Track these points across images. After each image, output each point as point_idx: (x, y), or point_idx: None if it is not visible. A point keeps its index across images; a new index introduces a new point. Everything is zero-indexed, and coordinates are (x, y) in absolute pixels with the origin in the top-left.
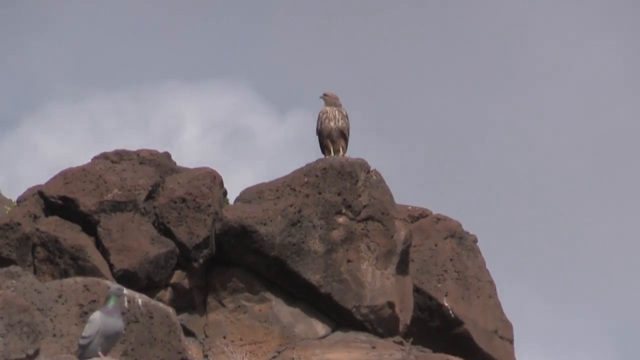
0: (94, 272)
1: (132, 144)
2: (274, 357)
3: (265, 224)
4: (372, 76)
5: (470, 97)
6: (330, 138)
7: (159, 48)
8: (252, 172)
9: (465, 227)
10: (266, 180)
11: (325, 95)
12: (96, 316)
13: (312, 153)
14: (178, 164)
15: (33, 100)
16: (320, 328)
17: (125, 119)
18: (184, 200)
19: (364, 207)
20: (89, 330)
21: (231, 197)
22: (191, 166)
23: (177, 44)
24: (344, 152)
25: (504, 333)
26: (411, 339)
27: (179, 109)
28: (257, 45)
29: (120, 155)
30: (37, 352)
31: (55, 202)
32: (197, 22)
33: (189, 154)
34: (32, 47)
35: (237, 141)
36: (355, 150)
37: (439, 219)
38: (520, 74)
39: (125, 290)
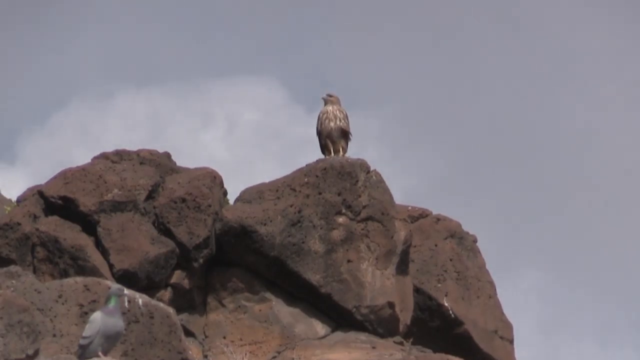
0: (93, 272)
1: (158, 140)
2: (274, 357)
3: (265, 224)
4: (401, 75)
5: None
6: (330, 138)
7: (188, 45)
8: (280, 169)
9: (465, 228)
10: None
11: (329, 96)
12: (96, 316)
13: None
14: (205, 159)
15: (62, 96)
16: (320, 328)
17: (155, 115)
18: (184, 200)
19: (364, 207)
20: (89, 330)
21: (231, 197)
22: (215, 162)
23: (207, 40)
24: (344, 152)
25: (504, 333)
26: (411, 339)
27: (206, 105)
28: (288, 43)
29: (120, 155)
30: (37, 352)
31: (55, 202)
32: (228, 18)
33: (215, 151)
34: (62, 45)
35: (264, 138)
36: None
37: (438, 219)
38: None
39: (126, 290)
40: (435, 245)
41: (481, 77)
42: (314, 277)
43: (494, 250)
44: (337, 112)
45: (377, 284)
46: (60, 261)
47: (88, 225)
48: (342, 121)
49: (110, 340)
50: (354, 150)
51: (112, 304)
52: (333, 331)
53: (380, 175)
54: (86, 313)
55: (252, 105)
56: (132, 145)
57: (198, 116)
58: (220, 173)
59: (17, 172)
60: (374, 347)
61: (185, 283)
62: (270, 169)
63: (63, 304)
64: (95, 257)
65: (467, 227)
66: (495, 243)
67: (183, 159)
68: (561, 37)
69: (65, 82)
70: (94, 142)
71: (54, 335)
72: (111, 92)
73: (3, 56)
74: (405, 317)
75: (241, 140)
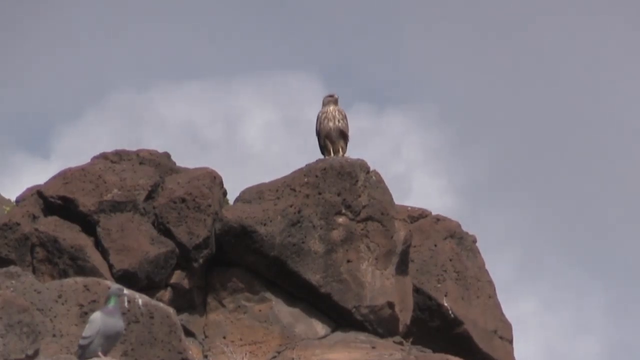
0: (93, 272)
1: (192, 135)
2: (274, 357)
3: (265, 224)
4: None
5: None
6: (330, 138)
7: (228, 41)
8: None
9: (464, 228)
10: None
11: (331, 96)
12: (96, 316)
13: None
14: (240, 156)
15: (96, 91)
16: (320, 328)
17: (191, 111)
18: (183, 200)
19: (364, 207)
20: (89, 330)
21: (231, 197)
22: (253, 158)
23: (248, 35)
24: (344, 152)
25: (504, 333)
26: (411, 339)
27: (246, 101)
28: (328, 39)
29: (119, 155)
30: (36, 353)
31: (55, 202)
32: (266, 14)
33: (253, 147)
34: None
35: (301, 134)
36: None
37: (438, 219)
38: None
39: (126, 290)
40: (435, 245)
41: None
42: (313, 277)
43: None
44: (336, 112)
45: (376, 284)
46: (60, 261)
47: (88, 225)
48: (341, 122)
49: (110, 340)
50: (389, 147)
51: (111, 304)
52: (333, 331)
53: (380, 175)
54: (86, 313)
55: (287, 100)
56: (168, 141)
57: (232, 111)
58: (256, 168)
59: (52, 166)
60: (373, 347)
61: (185, 283)
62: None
63: (63, 304)
64: (94, 257)
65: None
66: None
67: (217, 155)
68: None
69: (101, 77)
70: (127, 137)
71: (54, 336)
72: (147, 88)
73: (38, 52)
74: (405, 317)
75: (275, 136)
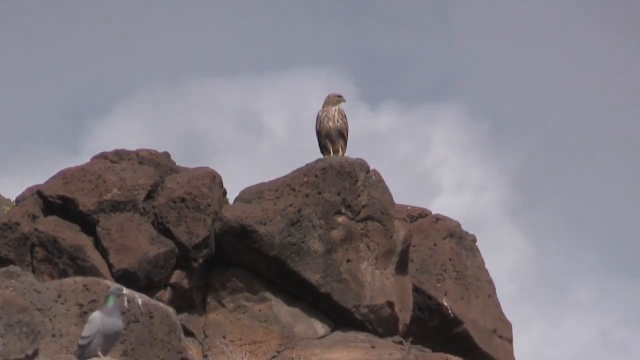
0: (93, 272)
1: (220, 133)
2: (274, 357)
3: (265, 224)
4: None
5: None
6: (330, 138)
7: (258, 36)
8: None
9: (464, 228)
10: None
11: (340, 96)
12: (96, 316)
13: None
14: (267, 153)
15: (127, 87)
16: (320, 328)
17: (218, 107)
18: (183, 200)
19: (364, 207)
20: (88, 330)
21: (231, 197)
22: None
23: (277, 31)
24: (344, 152)
25: (504, 333)
26: (411, 339)
27: (276, 96)
28: (359, 35)
29: (119, 155)
30: (36, 353)
31: (55, 202)
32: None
33: (277, 144)
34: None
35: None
36: None
37: (438, 219)
38: None
39: (126, 290)
40: (435, 245)
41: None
42: (313, 277)
43: None
44: (336, 112)
45: (376, 283)
46: (60, 261)
47: (87, 225)
48: (340, 122)
49: (110, 340)
50: (418, 144)
51: (111, 303)
52: (333, 331)
53: (380, 175)
54: (86, 313)
55: (314, 96)
56: (202, 137)
57: (262, 107)
58: (283, 164)
59: (83, 162)
60: (373, 347)
61: (185, 283)
62: None
63: (63, 304)
64: (94, 257)
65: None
66: None
67: (245, 152)
68: None
69: (131, 73)
70: (157, 132)
71: (54, 336)
72: (178, 83)
73: (68, 48)
74: (404, 316)
75: (303, 131)
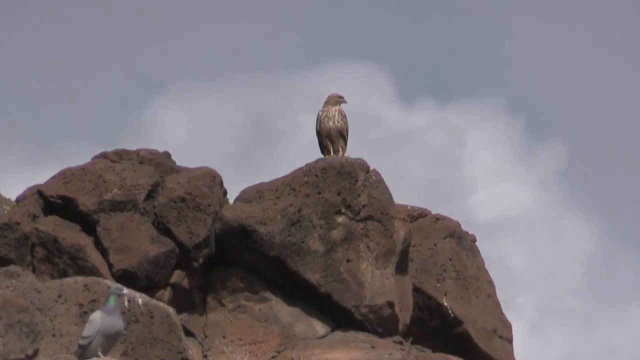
0: (93, 271)
1: (257, 127)
2: (274, 357)
3: (265, 224)
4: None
5: None
6: (330, 138)
7: (295, 32)
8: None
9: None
10: None
11: (340, 97)
12: (96, 316)
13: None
14: (304, 145)
15: (162, 81)
16: (320, 328)
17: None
18: (183, 199)
19: (364, 206)
20: (89, 330)
21: (231, 197)
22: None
23: (314, 27)
24: (343, 152)
25: (503, 333)
26: (411, 339)
27: (314, 92)
28: (398, 32)
29: (119, 155)
30: (36, 352)
31: (55, 201)
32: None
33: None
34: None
35: (362, 128)
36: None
37: (437, 218)
38: None
39: (125, 290)
40: (435, 245)
41: None
42: (313, 276)
43: None
44: (336, 112)
45: (376, 283)
46: (60, 261)
47: (87, 224)
48: (340, 122)
49: (110, 339)
50: (453, 141)
51: (111, 303)
52: (333, 331)
53: (379, 174)
54: (86, 313)
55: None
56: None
57: (300, 103)
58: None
59: None
60: (373, 347)
61: (185, 283)
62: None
63: (63, 303)
64: (94, 257)
65: None
66: None
67: (282, 149)
68: None
69: (165, 69)
70: (192, 128)
71: (54, 335)
72: (213, 79)
73: (105, 44)
74: (404, 316)
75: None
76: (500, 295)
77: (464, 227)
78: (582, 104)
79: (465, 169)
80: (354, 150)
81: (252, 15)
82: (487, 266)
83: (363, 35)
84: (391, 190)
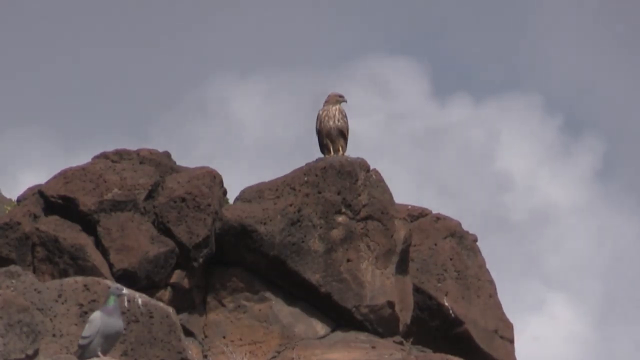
0: (93, 271)
1: (278, 125)
2: (274, 357)
3: (265, 224)
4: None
5: None
6: (330, 137)
7: (331, 27)
8: (403, 164)
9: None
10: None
11: (341, 96)
12: (96, 316)
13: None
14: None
15: (199, 76)
16: (320, 328)
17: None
18: (183, 199)
19: (364, 206)
20: (88, 330)
21: (231, 197)
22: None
23: (351, 23)
24: (344, 151)
25: (505, 333)
26: (411, 339)
27: (350, 87)
28: (433, 27)
29: (120, 155)
30: (36, 352)
31: (55, 201)
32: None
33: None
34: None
35: (392, 123)
36: None
37: (438, 218)
38: None
39: (125, 290)
40: (435, 245)
41: None
42: (313, 276)
43: None
44: (337, 112)
45: (376, 283)
46: (60, 261)
47: (88, 224)
48: (340, 121)
49: (110, 340)
50: (489, 137)
51: (111, 303)
52: (333, 331)
53: (379, 174)
54: (86, 313)
55: (390, 86)
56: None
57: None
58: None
59: None
60: (373, 347)
61: (185, 283)
62: (397, 159)
63: (63, 303)
64: (95, 257)
65: None
66: None
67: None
68: None
69: (201, 62)
70: (224, 124)
71: (54, 335)
72: (247, 74)
73: (137, 38)
74: (405, 316)
75: (376, 122)
76: (534, 291)
77: (490, 225)
78: (619, 102)
79: (500, 167)
80: (385, 146)
81: (285, 9)
82: (521, 263)
83: (399, 31)
84: (420, 187)
